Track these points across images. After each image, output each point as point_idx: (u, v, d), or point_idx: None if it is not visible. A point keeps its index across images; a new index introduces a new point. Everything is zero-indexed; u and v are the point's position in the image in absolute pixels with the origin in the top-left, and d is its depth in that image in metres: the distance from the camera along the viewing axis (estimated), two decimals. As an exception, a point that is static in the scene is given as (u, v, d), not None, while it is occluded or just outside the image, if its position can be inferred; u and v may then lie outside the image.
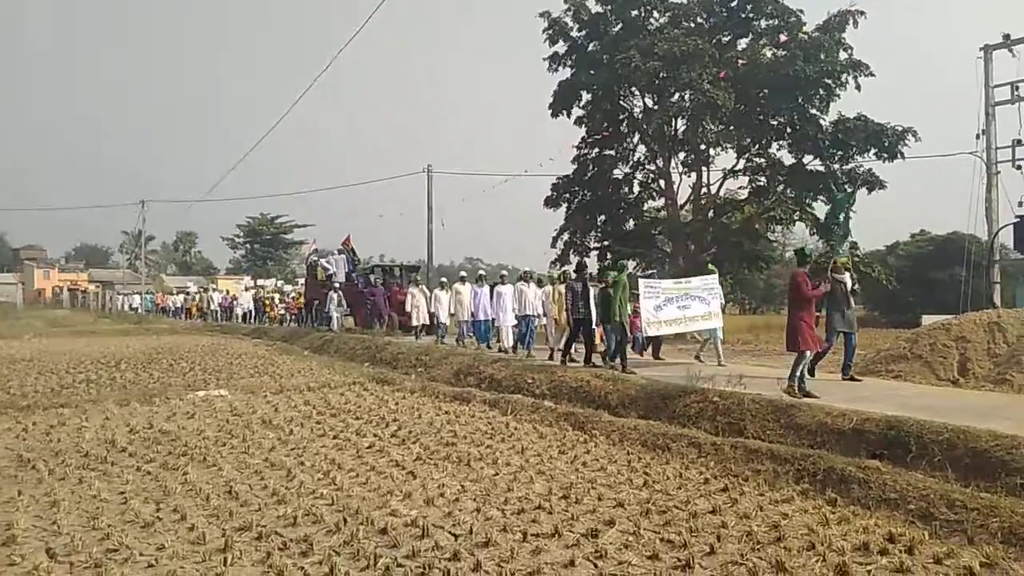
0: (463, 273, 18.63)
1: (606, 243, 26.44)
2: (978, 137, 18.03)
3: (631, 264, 28.98)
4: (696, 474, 6.43)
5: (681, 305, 11.82)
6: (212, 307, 39.03)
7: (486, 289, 16.77)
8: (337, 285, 23.76)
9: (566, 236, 26.67)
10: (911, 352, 11.51)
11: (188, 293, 47.54)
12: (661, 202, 26.93)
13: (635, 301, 12.50)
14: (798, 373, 8.69)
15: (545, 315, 14.86)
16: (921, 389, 9.72)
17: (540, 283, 15.60)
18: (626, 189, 26.63)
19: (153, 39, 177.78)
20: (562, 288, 13.40)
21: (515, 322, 15.72)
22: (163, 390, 12.08)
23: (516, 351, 15.10)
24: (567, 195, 26.76)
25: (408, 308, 19.27)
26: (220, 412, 9.93)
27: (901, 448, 6.46)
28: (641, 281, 11.48)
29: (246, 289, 38.36)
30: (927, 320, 16.26)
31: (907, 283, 30.51)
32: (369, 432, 8.49)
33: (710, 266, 15.53)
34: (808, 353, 8.83)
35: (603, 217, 26.46)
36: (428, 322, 19.31)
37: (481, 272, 18.14)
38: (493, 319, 16.73)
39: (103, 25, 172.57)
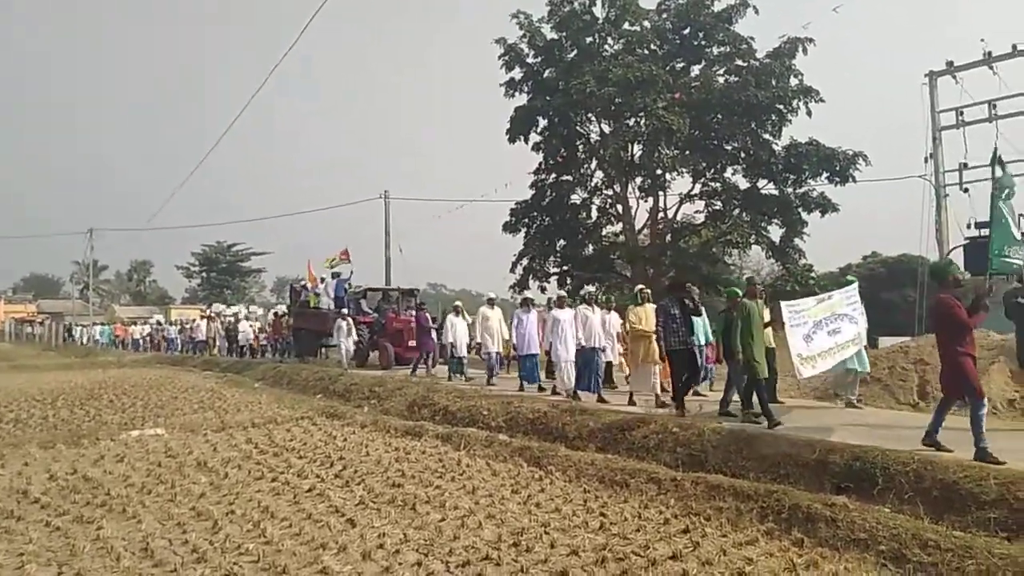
0: (491, 295, 15.97)
1: (565, 268, 26.20)
2: (926, 161, 18.33)
3: (591, 288, 28.88)
4: (655, 513, 6.07)
5: (832, 330, 9.02)
6: (199, 337, 32.69)
7: (533, 315, 13.63)
8: (346, 311, 20.09)
9: (525, 261, 26.39)
10: (870, 376, 11.37)
11: (162, 323, 42.27)
12: (619, 227, 26.85)
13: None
14: (982, 430, 6.37)
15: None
16: (883, 415, 9.53)
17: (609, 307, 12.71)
18: (584, 214, 26.48)
19: (102, 60, 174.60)
20: (641, 312, 10.80)
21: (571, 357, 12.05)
22: (95, 430, 11.34)
23: (578, 396, 11.60)
24: (526, 220, 26.50)
25: (449, 339, 15.57)
26: (153, 454, 9.27)
27: (868, 480, 6.21)
28: (783, 305, 8.89)
29: (246, 318, 31.91)
30: (885, 342, 16.27)
31: (860, 305, 30.80)
32: (312, 473, 7.96)
33: (849, 276, 12.85)
34: (985, 400, 6.71)
35: (562, 242, 26.23)
36: (435, 354, 17.14)
37: (528, 295, 15.12)
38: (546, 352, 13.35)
39: (48, 50, 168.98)
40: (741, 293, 9.73)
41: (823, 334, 8.75)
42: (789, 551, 5.00)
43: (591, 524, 5.82)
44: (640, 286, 11.33)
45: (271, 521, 6.03)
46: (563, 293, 12.91)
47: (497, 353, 14.61)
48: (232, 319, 33.27)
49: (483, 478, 7.54)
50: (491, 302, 15.55)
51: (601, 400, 11.26)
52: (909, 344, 12.02)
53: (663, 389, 11.14)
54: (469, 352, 15.81)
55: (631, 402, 10.86)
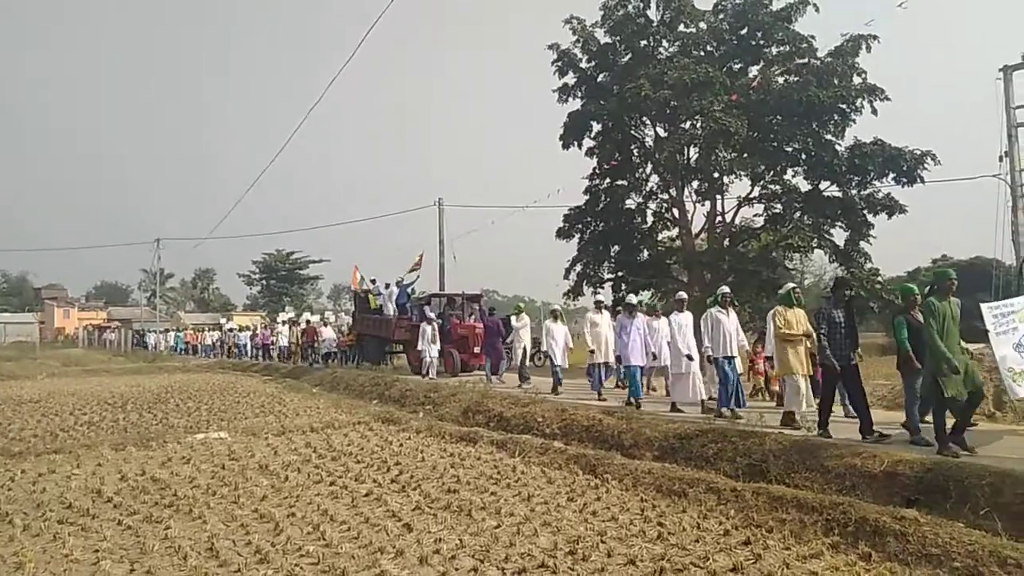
0: (599, 297, 14.74)
1: (620, 274, 25.98)
2: (1001, 159, 17.53)
3: (646, 295, 28.50)
4: (715, 524, 5.93)
5: None
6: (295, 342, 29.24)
7: (640, 320, 12.33)
8: (432, 316, 18.94)
9: (579, 267, 26.26)
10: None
11: (233, 329, 40.22)
12: (675, 231, 26.50)
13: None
14: None
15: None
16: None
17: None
18: (639, 219, 26.22)
19: (167, 72, 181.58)
20: (791, 316, 9.27)
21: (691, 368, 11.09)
22: (163, 433, 11.74)
23: (723, 414, 10.12)
24: (579, 226, 26.39)
25: (545, 347, 14.93)
26: (217, 457, 9.54)
27: (940, 494, 5.94)
28: (984, 308, 7.56)
29: (326, 323, 28.05)
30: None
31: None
32: (368, 477, 8.06)
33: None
34: None
35: (616, 248, 26.01)
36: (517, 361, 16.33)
37: (633, 298, 13.67)
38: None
39: (116, 72, 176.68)
40: (917, 290, 8.26)
41: None
42: (856, 565, 4.82)
43: (649, 533, 5.72)
44: (791, 284, 9.95)
45: (330, 524, 6.12)
46: (684, 295, 11.77)
47: (560, 367, 14.20)
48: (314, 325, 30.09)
49: (538, 485, 7.50)
50: (555, 315, 15.24)
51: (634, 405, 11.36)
52: (984, 351, 11.46)
53: (709, 396, 11.07)
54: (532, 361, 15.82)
55: (735, 416, 9.86)
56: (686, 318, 11.32)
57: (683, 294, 12.05)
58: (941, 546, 4.86)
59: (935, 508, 5.76)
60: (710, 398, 11.10)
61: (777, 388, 10.94)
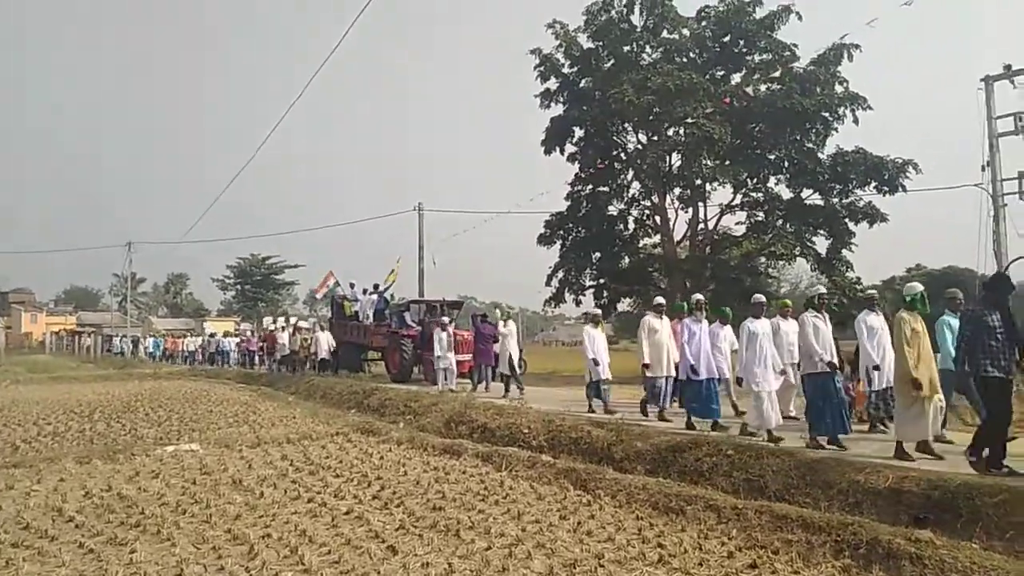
0: (659, 299, 12.21)
1: (601, 281, 25.80)
2: (983, 169, 17.59)
3: (627, 302, 28.27)
4: (717, 545, 5.63)
5: None
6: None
7: (705, 328, 10.52)
8: (447, 321, 17.54)
9: (560, 274, 26.03)
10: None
11: (215, 335, 38.51)
12: (657, 238, 26.40)
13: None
14: None
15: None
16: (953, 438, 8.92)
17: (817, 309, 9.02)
18: (621, 226, 26.10)
19: (139, 78, 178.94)
20: (918, 325, 7.74)
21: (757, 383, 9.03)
22: (131, 444, 11.20)
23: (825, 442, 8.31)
24: (561, 232, 26.20)
25: (590, 355, 12.30)
26: (188, 471, 9.06)
27: (949, 512, 5.70)
28: None
29: (322, 328, 25.27)
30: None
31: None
32: (349, 493, 7.66)
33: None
34: None
35: (598, 255, 25.86)
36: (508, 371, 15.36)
37: (698, 297, 11.16)
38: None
39: (89, 72, 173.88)
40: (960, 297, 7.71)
41: None
42: (872, 592, 4.55)
43: (649, 556, 5.41)
44: (919, 287, 8.14)
45: (309, 547, 5.72)
46: (761, 298, 9.91)
47: (666, 378, 11.21)
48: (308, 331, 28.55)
49: (528, 502, 7.16)
50: (595, 320, 13.25)
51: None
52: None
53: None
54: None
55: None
56: (762, 325, 9.44)
57: (760, 296, 10.11)
58: (961, 571, 4.60)
59: (945, 527, 5.52)
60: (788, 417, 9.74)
61: (864, 408, 9.67)
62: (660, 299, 12.21)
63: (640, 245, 26.77)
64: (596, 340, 12.45)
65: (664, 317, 11.53)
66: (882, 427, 9.23)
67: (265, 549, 5.70)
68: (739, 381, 9.42)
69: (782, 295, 44.04)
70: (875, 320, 9.14)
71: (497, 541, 5.83)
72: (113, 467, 9.43)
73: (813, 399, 8.56)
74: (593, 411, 11.98)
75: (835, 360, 8.61)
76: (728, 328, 10.89)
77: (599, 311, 13.93)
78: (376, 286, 22.93)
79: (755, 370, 9.00)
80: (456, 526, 6.24)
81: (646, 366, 11.07)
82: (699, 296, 11.12)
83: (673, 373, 11.07)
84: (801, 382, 9.20)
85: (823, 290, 9.88)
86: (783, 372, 9.42)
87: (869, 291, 9.73)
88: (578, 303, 26.77)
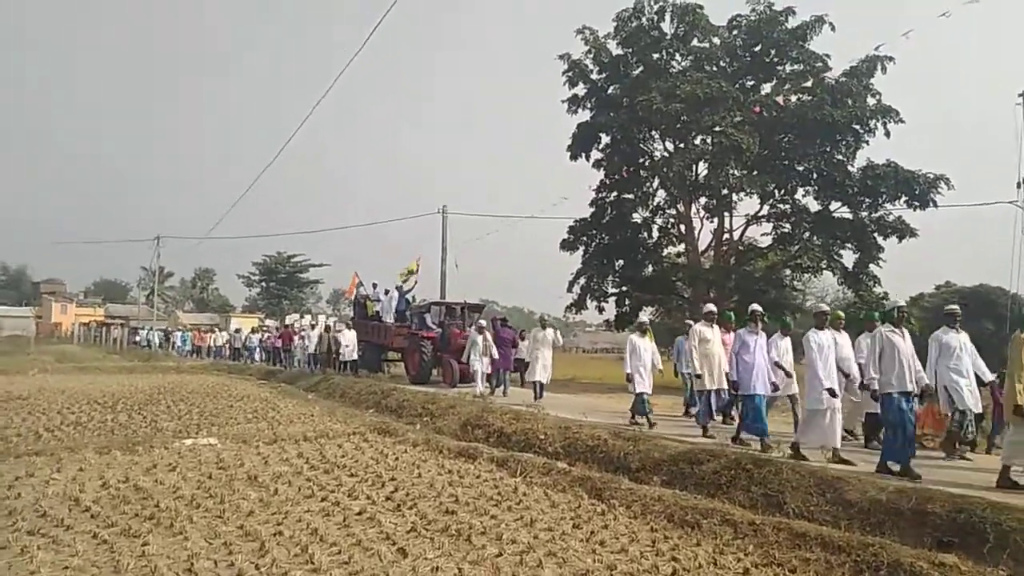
0: (710, 307, 11.62)
1: (624, 288, 25.65)
2: (1019, 186, 17.22)
3: (649, 311, 28.00)
4: (733, 561, 5.51)
5: None
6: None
7: (762, 341, 9.77)
8: (483, 323, 17.26)
9: (583, 280, 25.93)
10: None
11: (240, 330, 38.15)
12: (681, 247, 26.20)
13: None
14: None
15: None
16: (978, 461, 8.71)
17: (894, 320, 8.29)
18: (645, 234, 25.95)
19: (169, 76, 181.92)
20: None
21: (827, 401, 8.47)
22: (151, 436, 11.30)
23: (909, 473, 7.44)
24: (584, 238, 26.11)
25: (629, 368, 11.83)
26: (204, 464, 9.10)
27: (975, 536, 5.52)
28: None
29: (348, 327, 24.20)
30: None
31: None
32: (362, 493, 7.64)
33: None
34: None
35: (621, 262, 25.72)
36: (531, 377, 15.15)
37: (755, 307, 10.25)
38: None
39: (120, 69, 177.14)
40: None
41: None
42: (893, 617, 4.42)
43: (663, 569, 5.31)
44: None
45: (319, 545, 5.71)
46: (824, 307, 9.47)
47: (713, 391, 10.78)
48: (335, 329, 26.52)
49: (541, 509, 7.09)
50: (643, 329, 12.37)
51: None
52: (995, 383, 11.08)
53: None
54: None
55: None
56: (826, 337, 8.84)
57: (824, 306, 9.72)
58: (986, 598, 4.45)
59: (970, 552, 5.35)
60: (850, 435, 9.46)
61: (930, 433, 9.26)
62: (711, 306, 11.68)
63: (664, 254, 26.61)
64: (640, 351, 11.86)
65: (715, 326, 11.14)
66: (961, 456, 8.57)
67: (276, 546, 5.69)
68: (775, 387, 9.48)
69: (807, 308, 43.49)
70: (953, 338, 8.48)
71: (508, 548, 5.77)
72: (132, 458, 9.51)
73: (888, 421, 7.89)
74: (637, 423, 11.46)
75: (915, 380, 7.84)
76: (788, 340, 10.16)
77: (646, 320, 12.97)
78: (399, 287, 22.94)
79: (817, 384, 8.46)
80: (468, 531, 6.19)
81: (697, 377, 10.75)
82: (756, 306, 10.29)
83: (725, 385, 10.63)
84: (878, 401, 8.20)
85: (902, 303, 9.39)
86: (831, 392, 8.50)
87: (950, 306, 9.07)
88: (600, 310, 26.63)
